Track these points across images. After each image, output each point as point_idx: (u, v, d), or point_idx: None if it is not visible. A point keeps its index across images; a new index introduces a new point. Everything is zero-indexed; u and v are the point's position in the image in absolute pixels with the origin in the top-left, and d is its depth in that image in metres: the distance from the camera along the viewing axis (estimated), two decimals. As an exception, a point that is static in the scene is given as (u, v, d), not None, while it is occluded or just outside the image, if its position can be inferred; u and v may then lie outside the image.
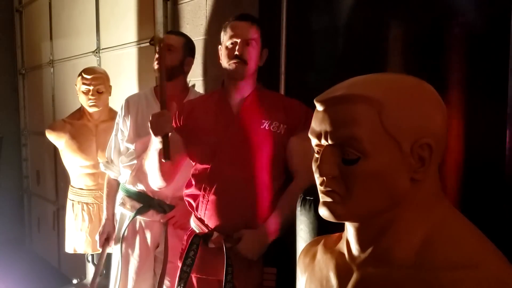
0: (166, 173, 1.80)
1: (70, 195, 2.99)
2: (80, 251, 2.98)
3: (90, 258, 3.11)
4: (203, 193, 1.73)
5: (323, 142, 0.82)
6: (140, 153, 2.10)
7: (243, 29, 1.72)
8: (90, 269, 3.16)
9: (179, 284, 1.71)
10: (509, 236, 1.28)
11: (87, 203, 2.92)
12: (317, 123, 0.83)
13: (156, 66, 2.16)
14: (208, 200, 1.72)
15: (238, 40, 1.71)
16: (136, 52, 3.12)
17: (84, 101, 2.78)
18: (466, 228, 0.81)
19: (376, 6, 1.76)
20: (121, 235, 2.26)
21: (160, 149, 1.70)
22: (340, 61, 1.92)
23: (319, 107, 0.84)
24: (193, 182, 1.78)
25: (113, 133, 2.38)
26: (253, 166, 1.70)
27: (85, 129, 2.86)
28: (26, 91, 4.98)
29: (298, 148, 1.68)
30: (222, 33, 1.78)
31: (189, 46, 2.22)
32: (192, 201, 1.79)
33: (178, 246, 2.02)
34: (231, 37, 1.72)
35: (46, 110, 4.45)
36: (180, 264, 1.76)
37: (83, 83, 2.75)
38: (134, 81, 3.13)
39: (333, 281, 0.88)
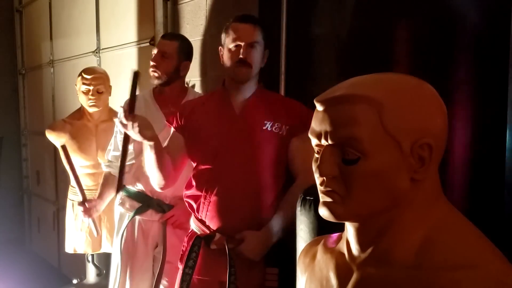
0: (168, 175, 1.79)
1: (70, 195, 2.99)
2: (80, 251, 2.98)
3: (90, 258, 3.11)
4: (205, 194, 1.73)
5: (323, 142, 0.82)
6: (138, 153, 2.10)
7: (247, 31, 1.70)
8: (90, 269, 3.16)
9: (181, 286, 1.71)
10: (509, 236, 1.28)
11: (87, 203, 2.92)
12: (317, 123, 0.83)
13: (151, 73, 2.16)
14: (210, 202, 1.71)
15: (242, 43, 1.69)
16: (136, 52, 3.12)
17: (84, 101, 2.78)
18: (466, 228, 0.81)
19: (376, 7, 1.76)
20: (120, 235, 2.26)
21: (155, 150, 1.69)
22: (340, 61, 1.92)
23: (319, 107, 0.84)
24: (194, 183, 1.77)
25: (113, 134, 2.38)
26: (255, 167, 1.70)
27: (85, 129, 2.86)
28: (26, 91, 4.98)
29: (300, 149, 1.69)
30: (224, 35, 1.76)
31: (184, 50, 2.19)
32: (192, 202, 1.78)
33: (177, 246, 2.02)
34: (234, 39, 1.70)
35: (46, 110, 4.45)
36: (181, 266, 1.76)
37: (83, 83, 2.75)
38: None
39: (333, 281, 0.88)
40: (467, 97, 1.48)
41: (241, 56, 1.69)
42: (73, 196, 2.97)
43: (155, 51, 2.18)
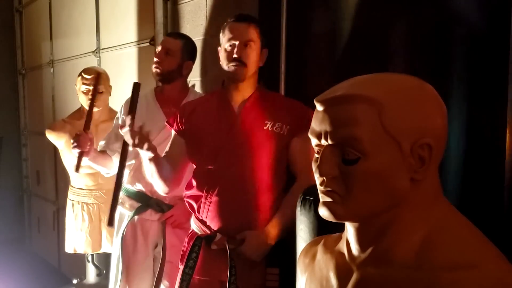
0: (170, 181, 1.80)
1: (70, 195, 2.99)
2: (80, 251, 2.98)
3: (90, 258, 3.11)
4: (205, 194, 1.73)
5: (323, 142, 0.82)
6: (138, 153, 2.10)
7: (241, 30, 1.71)
8: (90, 269, 3.17)
9: (181, 286, 1.71)
10: (509, 236, 1.28)
11: (87, 203, 2.92)
12: (317, 123, 0.83)
13: (154, 70, 2.16)
14: (211, 202, 1.71)
15: (236, 42, 1.70)
16: (136, 52, 3.12)
17: (84, 101, 2.78)
18: (466, 228, 0.81)
19: (376, 7, 1.76)
20: (120, 235, 2.26)
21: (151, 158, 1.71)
22: (340, 61, 1.92)
23: (319, 107, 0.84)
24: (194, 183, 1.77)
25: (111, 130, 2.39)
26: (256, 167, 1.70)
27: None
28: (26, 91, 4.98)
29: (301, 149, 1.69)
30: (221, 35, 1.77)
31: (188, 49, 2.20)
32: (193, 203, 1.78)
33: (177, 246, 2.02)
34: (229, 39, 1.71)
35: (46, 110, 4.45)
36: (181, 266, 1.76)
37: (83, 83, 2.75)
38: (134, 81, 3.12)
39: (333, 281, 0.88)
40: (467, 97, 1.48)
41: (235, 55, 1.69)
42: (73, 196, 2.97)
43: (159, 48, 2.19)
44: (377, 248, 0.82)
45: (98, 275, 3.14)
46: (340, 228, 0.94)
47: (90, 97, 2.63)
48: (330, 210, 0.82)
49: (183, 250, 1.82)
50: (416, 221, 0.81)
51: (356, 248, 0.86)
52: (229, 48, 1.71)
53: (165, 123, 1.92)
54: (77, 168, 2.29)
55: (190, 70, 2.22)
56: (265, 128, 1.71)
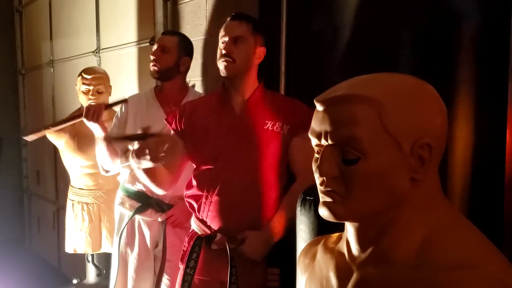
0: (165, 183, 1.80)
1: (70, 195, 2.99)
2: (80, 251, 2.98)
3: (90, 258, 3.11)
4: (206, 194, 1.73)
5: (323, 142, 0.82)
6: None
7: (231, 27, 1.73)
8: (90, 269, 3.17)
9: (183, 286, 1.71)
10: (509, 236, 1.28)
11: (87, 203, 2.92)
12: (317, 123, 0.83)
13: (151, 68, 2.17)
14: (211, 202, 1.71)
15: (226, 39, 1.72)
16: (136, 52, 3.12)
17: (84, 101, 2.78)
18: (466, 228, 0.81)
19: (376, 6, 1.76)
20: (120, 235, 2.27)
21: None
22: (340, 61, 1.92)
23: (319, 107, 0.84)
24: (195, 183, 1.77)
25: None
26: (257, 167, 1.70)
27: (85, 129, 2.85)
28: (26, 91, 4.98)
29: (301, 149, 1.68)
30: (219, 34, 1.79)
31: (184, 45, 2.21)
32: (193, 202, 1.78)
33: (177, 245, 2.02)
34: (221, 37, 1.74)
35: (46, 110, 4.45)
36: (182, 266, 1.76)
37: (83, 83, 2.75)
38: (134, 81, 3.13)
39: (333, 281, 0.88)
40: (467, 97, 1.48)
41: (223, 51, 1.71)
42: (73, 196, 2.97)
43: (155, 46, 2.20)
44: (377, 248, 0.82)
45: (98, 275, 3.14)
46: (340, 228, 0.94)
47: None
48: (330, 210, 0.82)
49: (183, 250, 1.82)
50: (416, 221, 0.81)
51: (356, 248, 0.86)
52: (221, 46, 1.74)
53: (164, 120, 1.92)
54: (55, 125, 2.24)
55: (187, 66, 2.23)
56: (265, 128, 1.71)
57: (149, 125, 1.60)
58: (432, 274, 0.75)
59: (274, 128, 1.71)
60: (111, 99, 2.86)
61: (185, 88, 2.28)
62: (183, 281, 1.71)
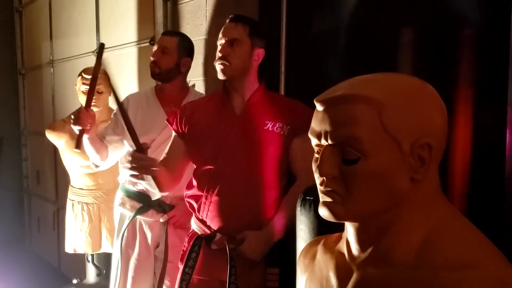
0: (167, 184, 1.80)
1: (70, 195, 2.99)
2: (80, 251, 2.98)
3: (90, 258, 3.11)
4: (206, 194, 1.73)
5: (323, 142, 0.82)
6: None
7: (228, 29, 1.74)
8: (90, 269, 3.17)
9: (180, 286, 1.71)
10: (509, 236, 1.28)
11: (87, 203, 2.92)
12: (317, 123, 0.83)
13: (152, 68, 2.16)
14: (211, 201, 1.72)
15: (223, 41, 1.73)
16: (136, 52, 3.12)
17: (84, 101, 2.77)
18: (466, 228, 0.81)
19: (376, 7, 1.76)
20: (121, 235, 2.26)
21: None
22: (340, 61, 1.92)
23: (319, 107, 0.84)
24: (195, 183, 1.78)
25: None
26: (257, 167, 1.70)
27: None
28: (26, 91, 4.98)
29: (301, 149, 1.69)
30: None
31: (185, 46, 2.20)
32: (193, 202, 1.79)
33: (178, 246, 2.02)
34: (219, 39, 1.75)
35: (46, 110, 4.45)
36: (181, 266, 1.76)
37: (83, 83, 2.75)
38: (134, 81, 3.13)
39: (333, 281, 0.88)
40: (467, 97, 1.48)
41: (219, 53, 1.72)
42: (73, 196, 2.97)
43: (155, 47, 2.19)
44: (377, 248, 0.82)
45: (98, 275, 3.14)
46: (340, 228, 0.94)
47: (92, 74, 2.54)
48: (330, 210, 0.82)
49: (183, 250, 1.82)
50: (416, 221, 0.81)
51: (356, 248, 0.86)
52: (219, 48, 1.74)
53: (165, 121, 1.92)
54: (78, 144, 2.15)
55: (188, 67, 2.22)
56: (265, 128, 1.72)
57: (148, 146, 1.67)
58: (432, 274, 0.75)
59: (275, 129, 1.72)
60: (111, 100, 2.87)
61: (186, 88, 2.27)
62: (181, 280, 1.71)
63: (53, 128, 2.95)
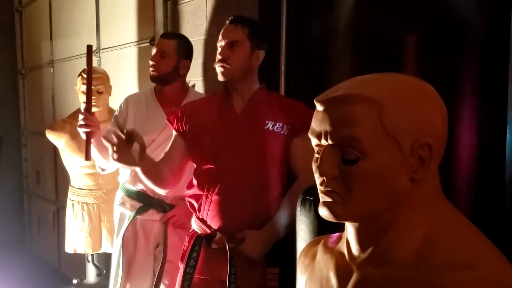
0: (167, 182, 1.80)
1: (70, 195, 2.99)
2: (80, 251, 2.98)
3: (90, 258, 3.11)
4: (206, 193, 1.73)
5: (323, 142, 0.82)
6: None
7: (228, 31, 1.74)
8: (90, 269, 3.17)
9: (182, 286, 1.71)
10: (509, 236, 1.28)
11: (87, 203, 2.92)
12: (317, 123, 0.83)
13: (151, 73, 2.16)
14: (211, 201, 1.72)
15: (223, 43, 1.73)
16: (136, 52, 3.12)
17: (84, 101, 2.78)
18: (466, 228, 0.81)
19: (376, 7, 1.76)
20: (121, 235, 2.26)
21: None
22: (340, 62, 1.92)
23: (319, 107, 0.84)
24: (195, 183, 1.78)
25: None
26: (257, 167, 1.70)
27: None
28: (26, 91, 4.98)
29: (301, 149, 1.69)
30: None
31: (183, 48, 2.19)
32: (194, 202, 1.79)
33: (178, 245, 2.02)
34: (219, 41, 1.75)
35: (46, 110, 4.45)
36: (181, 266, 1.76)
37: (83, 83, 2.75)
38: (134, 81, 3.13)
39: (333, 281, 0.88)
40: (467, 97, 1.48)
41: (219, 56, 1.72)
42: (73, 196, 2.97)
43: (154, 50, 2.19)
44: (377, 248, 0.82)
45: (98, 275, 3.14)
46: (340, 228, 0.94)
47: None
48: (330, 210, 0.82)
49: (183, 249, 1.82)
50: (416, 221, 0.81)
51: (356, 248, 0.86)
52: (219, 50, 1.75)
53: (166, 120, 1.92)
54: (87, 155, 2.16)
55: (187, 69, 2.22)
56: (266, 128, 1.72)
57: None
58: (432, 274, 0.75)
59: (275, 128, 1.72)
60: (111, 100, 2.87)
61: (185, 89, 2.28)
62: (183, 280, 1.72)
63: (53, 128, 2.94)
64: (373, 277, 0.81)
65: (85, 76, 2.76)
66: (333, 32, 1.94)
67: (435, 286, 0.74)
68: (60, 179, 4.21)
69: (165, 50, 2.15)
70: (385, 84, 0.82)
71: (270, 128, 1.72)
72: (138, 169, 1.73)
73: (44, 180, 4.64)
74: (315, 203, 1.28)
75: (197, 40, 2.52)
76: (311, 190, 1.27)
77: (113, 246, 2.46)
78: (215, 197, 1.71)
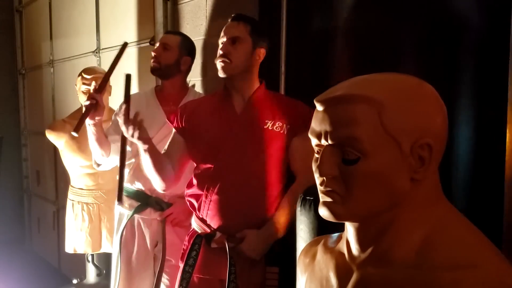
0: (168, 177, 1.80)
1: (70, 195, 2.99)
2: (80, 251, 2.98)
3: (90, 258, 3.11)
4: (206, 193, 1.73)
5: (323, 142, 0.82)
6: (137, 152, 2.10)
7: (230, 28, 1.75)
8: (90, 269, 3.17)
9: (181, 285, 1.71)
10: (509, 236, 1.28)
11: (87, 203, 2.92)
12: (317, 123, 0.83)
13: (152, 64, 2.18)
14: (211, 200, 1.72)
15: (224, 39, 1.73)
16: (136, 52, 3.12)
17: (84, 101, 2.78)
18: (466, 228, 0.81)
19: (376, 7, 1.76)
20: (119, 234, 2.27)
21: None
22: (340, 61, 1.92)
23: (319, 107, 0.84)
24: (195, 182, 1.78)
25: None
26: (256, 166, 1.71)
27: (85, 129, 2.85)
28: (26, 91, 4.97)
29: (301, 148, 1.69)
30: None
31: (186, 45, 2.22)
32: (194, 201, 1.79)
33: (177, 244, 2.02)
34: (221, 37, 1.76)
35: (46, 110, 4.45)
36: (181, 265, 1.77)
37: (83, 83, 2.75)
38: (134, 81, 3.13)
39: (333, 281, 0.88)
40: (467, 97, 1.48)
41: (220, 51, 1.72)
42: (73, 196, 2.97)
43: (157, 44, 2.22)
44: (377, 248, 0.82)
45: (98, 275, 3.14)
46: (340, 228, 0.94)
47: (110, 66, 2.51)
48: (330, 210, 0.82)
49: (183, 248, 1.83)
50: (416, 221, 0.81)
51: (356, 248, 0.86)
52: (220, 46, 1.75)
53: (166, 119, 1.93)
54: (78, 127, 2.12)
55: (188, 66, 2.23)
56: (265, 127, 1.72)
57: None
58: (432, 274, 0.75)
59: (275, 128, 1.72)
60: (111, 100, 2.87)
61: (185, 88, 2.29)
62: (181, 278, 1.72)
63: (53, 128, 2.94)
64: (373, 277, 0.81)
65: (85, 76, 2.76)
66: (333, 31, 1.94)
67: (435, 286, 0.74)
68: (60, 179, 4.21)
69: (168, 43, 2.17)
70: (385, 84, 0.82)
71: (270, 127, 1.72)
72: (146, 152, 1.73)
73: (44, 180, 4.64)
74: (315, 203, 1.28)
75: (197, 40, 2.52)
76: (311, 190, 1.27)
77: (112, 246, 2.46)
78: (214, 197, 1.71)
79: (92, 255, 3.07)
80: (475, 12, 1.48)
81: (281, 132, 1.72)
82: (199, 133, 1.78)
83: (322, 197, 0.84)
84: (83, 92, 2.76)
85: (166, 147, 1.85)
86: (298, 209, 1.36)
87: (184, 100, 2.17)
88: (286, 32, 2.04)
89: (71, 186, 3.00)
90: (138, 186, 2.24)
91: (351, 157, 0.79)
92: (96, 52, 3.57)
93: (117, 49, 3.33)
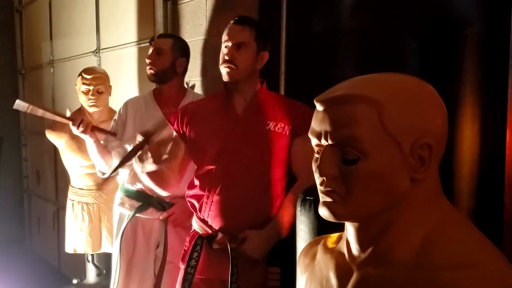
0: (169, 185, 1.80)
1: (70, 195, 2.99)
2: (80, 251, 2.98)
3: (90, 258, 3.11)
4: (207, 194, 1.73)
5: (323, 142, 0.82)
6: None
7: (235, 32, 1.72)
8: (90, 269, 3.17)
9: (183, 286, 1.71)
10: (509, 236, 1.28)
11: (87, 203, 2.92)
12: (317, 123, 0.83)
13: (148, 71, 2.18)
14: (212, 201, 1.72)
15: (229, 44, 1.71)
16: (136, 52, 3.12)
17: (84, 101, 2.78)
18: (466, 228, 0.81)
19: (376, 7, 1.76)
20: (120, 235, 2.27)
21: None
22: (340, 61, 1.92)
23: (319, 107, 0.84)
24: (197, 183, 1.78)
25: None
26: (258, 167, 1.71)
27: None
28: (26, 91, 4.97)
29: (302, 149, 1.69)
30: (222, 37, 1.79)
31: (179, 46, 2.22)
32: (195, 202, 1.79)
33: (178, 246, 2.02)
34: (225, 41, 1.74)
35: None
36: (183, 266, 1.76)
37: (83, 83, 2.75)
38: (134, 81, 3.13)
39: (333, 281, 0.88)
40: (467, 97, 1.48)
41: (226, 57, 1.70)
42: (73, 196, 2.97)
43: (150, 50, 2.21)
44: (377, 248, 0.82)
45: (98, 275, 3.14)
46: (340, 228, 0.94)
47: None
48: (330, 210, 0.82)
49: (184, 249, 1.82)
50: (416, 221, 0.81)
51: (356, 248, 0.86)
52: (224, 50, 1.73)
53: (166, 121, 1.92)
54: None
55: (184, 67, 2.23)
56: (267, 128, 1.72)
57: (146, 129, 1.64)
58: (432, 274, 0.75)
59: (276, 129, 1.72)
60: (111, 100, 2.87)
61: (183, 89, 2.29)
62: (184, 280, 1.72)
63: (53, 128, 2.94)
64: (373, 277, 0.81)
65: (85, 76, 2.76)
66: (333, 31, 1.94)
67: (435, 286, 0.74)
68: (60, 179, 4.21)
69: (161, 48, 2.17)
70: (385, 84, 0.82)
71: (272, 128, 1.72)
72: (145, 169, 1.74)
73: (44, 180, 4.64)
74: (315, 203, 1.28)
75: (197, 40, 2.53)
76: (311, 190, 1.27)
77: (113, 246, 2.46)
78: (216, 198, 1.71)
79: (92, 255, 3.08)
80: (476, 12, 1.48)
81: (283, 133, 1.72)
82: (200, 135, 1.78)
83: (322, 197, 0.84)
84: (83, 92, 2.76)
85: (167, 149, 1.85)
86: (298, 209, 1.36)
87: (183, 102, 2.17)
88: (286, 32, 2.04)
89: (71, 186, 3.00)
90: (139, 186, 2.24)
91: (351, 157, 0.79)
92: (96, 52, 3.57)
93: (117, 49, 3.34)
